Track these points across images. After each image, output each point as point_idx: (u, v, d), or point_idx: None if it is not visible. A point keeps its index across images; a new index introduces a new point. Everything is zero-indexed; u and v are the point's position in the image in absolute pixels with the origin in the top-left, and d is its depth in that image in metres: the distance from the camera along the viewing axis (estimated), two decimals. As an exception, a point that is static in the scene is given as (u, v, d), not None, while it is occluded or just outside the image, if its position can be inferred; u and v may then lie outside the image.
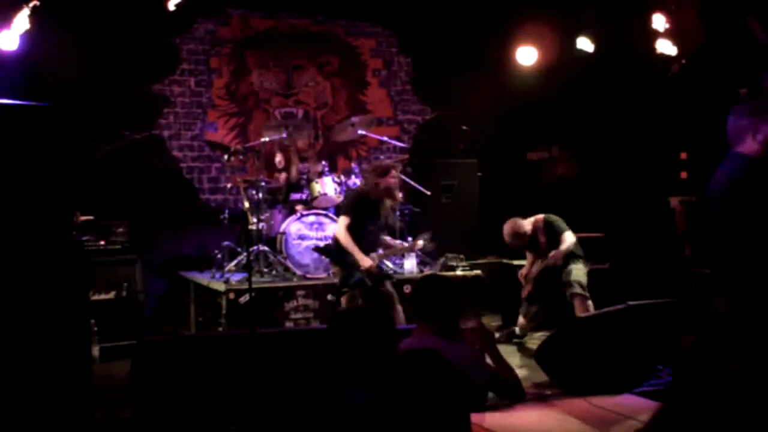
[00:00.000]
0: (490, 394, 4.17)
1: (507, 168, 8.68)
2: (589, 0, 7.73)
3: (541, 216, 6.34)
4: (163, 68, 8.02)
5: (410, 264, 7.00)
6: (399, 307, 5.75)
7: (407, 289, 6.49)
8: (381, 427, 2.51)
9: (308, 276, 6.75)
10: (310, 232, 6.84)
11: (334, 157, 8.64)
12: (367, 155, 8.77)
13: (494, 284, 7.19)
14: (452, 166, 8.24)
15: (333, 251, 5.91)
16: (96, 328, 5.79)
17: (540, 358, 4.99)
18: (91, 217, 6.44)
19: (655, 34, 7.11)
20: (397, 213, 7.58)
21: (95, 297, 6.17)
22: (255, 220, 6.85)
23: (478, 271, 7.09)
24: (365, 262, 5.67)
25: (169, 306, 7.60)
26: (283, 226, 6.89)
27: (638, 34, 7.25)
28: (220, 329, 6.35)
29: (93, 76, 7.08)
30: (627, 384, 4.62)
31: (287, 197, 7.31)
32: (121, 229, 6.63)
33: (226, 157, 7.20)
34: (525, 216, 6.40)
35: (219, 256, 6.96)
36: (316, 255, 6.55)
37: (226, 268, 6.75)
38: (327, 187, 7.06)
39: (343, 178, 7.30)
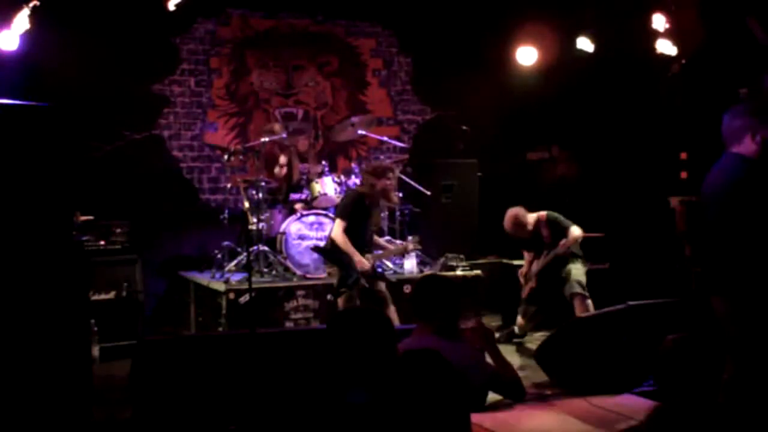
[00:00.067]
0: (491, 394, 4.17)
1: (507, 168, 8.67)
2: (589, 0, 7.73)
3: (543, 213, 6.35)
4: (163, 68, 8.03)
5: (410, 264, 7.01)
6: (392, 308, 5.78)
7: (407, 289, 6.50)
8: (381, 427, 2.51)
9: (308, 276, 6.75)
10: (310, 232, 6.85)
11: (334, 157, 8.64)
12: (367, 155, 8.76)
13: (494, 284, 7.20)
14: (452, 166, 8.24)
15: (331, 252, 5.92)
16: (96, 328, 5.80)
17: (540, 358, 4.98)
18: (91, 217, 6.45)
19: (655, 34, 7.11)
20: (397, 213, 7.61)
21: (95, 297, 6.17)
22: (255, 220, 6.85)
23: (478, 271, 7.10)
24: (363, 263, 5.70)
25: (169, 306, 7.60)
26: (283, 226, 6.89)
27: (638, 34, 7.25)
28: (220, 329, 6.35)
29: (93, 76, 7.08)
30: (627, 384, 4.61)
31: (287, 197, 7.31)
32: (121, 229, 6.64)
33: (226, 157, 7.20)
34: (527, 214, 6.41)
35: (219, 256, 6.96)
36: (316, 255, 6.56)
37: (226, 268, 6.75)
38: (327, 187, 7.07)
39: (343, 178, 7.30)
